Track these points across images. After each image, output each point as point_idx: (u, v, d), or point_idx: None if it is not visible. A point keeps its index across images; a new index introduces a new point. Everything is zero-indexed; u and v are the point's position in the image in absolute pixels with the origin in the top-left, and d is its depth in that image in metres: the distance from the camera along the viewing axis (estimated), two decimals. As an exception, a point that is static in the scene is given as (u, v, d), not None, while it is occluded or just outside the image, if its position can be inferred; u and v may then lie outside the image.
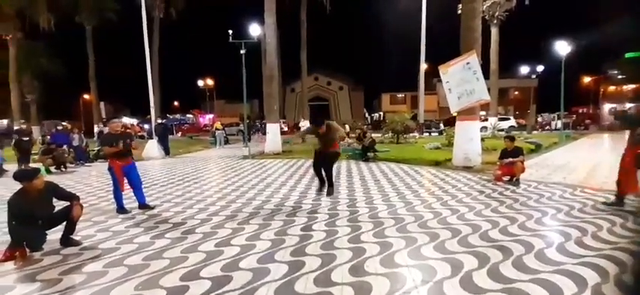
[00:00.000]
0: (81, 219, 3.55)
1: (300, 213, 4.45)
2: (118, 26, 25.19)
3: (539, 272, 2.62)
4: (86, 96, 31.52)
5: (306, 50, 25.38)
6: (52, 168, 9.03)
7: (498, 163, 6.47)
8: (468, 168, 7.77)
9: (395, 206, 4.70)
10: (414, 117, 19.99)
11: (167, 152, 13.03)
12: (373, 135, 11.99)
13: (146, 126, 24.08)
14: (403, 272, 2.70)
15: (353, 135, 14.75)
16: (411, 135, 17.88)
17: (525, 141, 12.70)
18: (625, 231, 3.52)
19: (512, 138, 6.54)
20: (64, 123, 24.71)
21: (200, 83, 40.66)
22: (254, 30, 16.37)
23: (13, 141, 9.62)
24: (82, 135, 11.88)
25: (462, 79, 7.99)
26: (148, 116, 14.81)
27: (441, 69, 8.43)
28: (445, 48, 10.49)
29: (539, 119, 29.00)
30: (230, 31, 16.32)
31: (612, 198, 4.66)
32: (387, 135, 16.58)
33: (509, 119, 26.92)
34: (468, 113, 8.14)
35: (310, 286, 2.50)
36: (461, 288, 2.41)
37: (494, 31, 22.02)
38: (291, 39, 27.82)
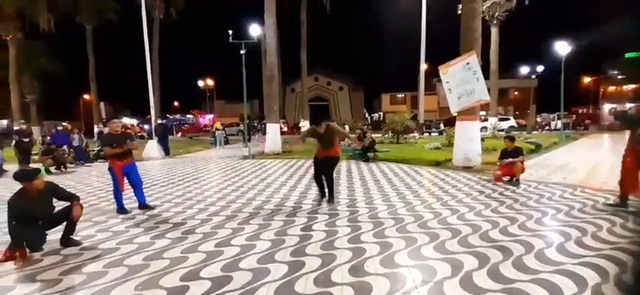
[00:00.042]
0: (81, 219, 3.55)
1: (300, 213, 4.45)
2: (118, 27, 25.25)
3: (539, 273, 2.62)
4: (86, 97, 31.55)
5: (306, 50, 25.38)
6: (52, 169, 9.03)
7: (498, 163, 6.48)
8: (468, 168, 7.77)
9: (395, 206, 4.70)
10: (414, 118, 19.99)
11: (167, 152, 13.03)
12: (373, 135, 11.99)
13: (146, 127, 24.10)
14: (403, 272, 2.70)
15: (353, 135, 14.76)
16: (411, 135, 17.88)
17: (525, 142, 12.70)
18: (625, 231, 3.52)
19: (512, 139, 6.54)
20: (64, 124, 24.80)
21: (200, 83, 40.69)
22: (254, 30, 16.39)
23: (14, 142, 9.62)
24: (82, 135, 11.89)
25: (462, 79, 8.00)
26: (148, 116, 14.82)
27: (441, 69, 8.43)
28: (445, 48, 10.51)
29: (539, 119, 29.00)
30: (230, 32, 16.34)
31: (612, 198, 4.67)
32: (387, 136, 16.59)
33: (509, 119, 26.93)
34: (468, 113, 8.14)
35: (310, 286, 2.50)
36: (461, 288, 2.41)
37: (494, 32, 22.03)
38: (291, 39, 27.86)
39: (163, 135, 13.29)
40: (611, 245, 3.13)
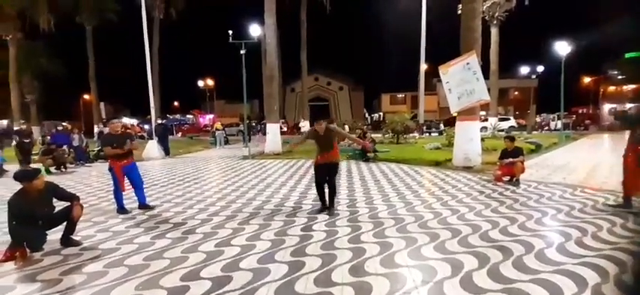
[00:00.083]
0: (81, 219, 3.55)
1: (301, 213, 4.45)
2: (118, 27, 25.26)
3: (539, 273, 2.62)
4: (86, 97, 31.55)
5: (306, 50, 25.41)
6: (52, 169, 9.03)
7: (498, 163, 6.48)
8: (468, 169, 7.78)
9: (395, 206, 4.70)
10: (414, 118, 19.99)
11: (167, 152, 13.03)
12: (373, 135, 11.99)
13: (146, 127, 24.10)
14: (403, 272, 2.70)
15: (353, 136, 14.75)
16: (411, 135, 17.88)
17: (525, 142, 12.70)
18: (625, 231, 3.52)
19: (512, 139, 6.55)
20: (64, 124, 24.79)
21: (200, 83, 40.68)
22: (254, 30, 16.39)
23: (15, 142, 9.62)
24: (82, 135, 11.88)
25: (462, 79, 8.00)
26: (148, 116, 14.82)
27: (441, 69, 8.43)
28: (445, 48, 10.51)
29: (538, 119, 28.99)
30: (230, 32, 16.34)
31: (612, 198, 4.67)
32: (387, 136, 16.59)
33: (509, 119, 26.93)
34: (468, 113, 8.14)
35: (310, 286, 2.50)
36: (461, 288, 2.41)
37: (494, 32, 22.04)
38: (291, 39, 27.87)
39: (163, 135, 13.29)
40: (611, 245, 3.13)
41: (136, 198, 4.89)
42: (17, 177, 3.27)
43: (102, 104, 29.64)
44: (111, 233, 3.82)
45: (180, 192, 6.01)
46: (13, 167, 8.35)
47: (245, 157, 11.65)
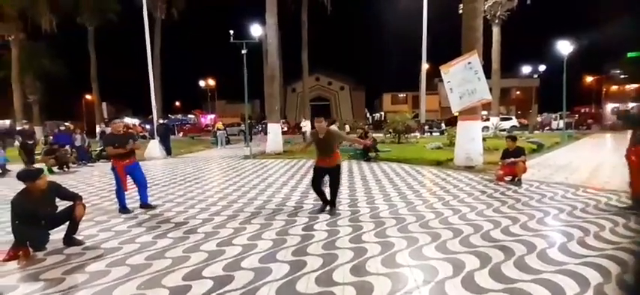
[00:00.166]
0: (83, 218, 3.57)
1: (302, 212, 4.46)
2: (119, 27, 25.35)
3: (541, 272, 2.61)
4: (88, 97, 31.61)
5: (307, 50, 25.40)
6: (55, 168, 9.07)
7: (500, 163, 6.46)
8: (469, 168, 7.76)
9: (396, 206, 4.70)
10: (415, 117, 19.96)
11: (169, 152, 13.07)
12: (374, 135, 11.98)
13: (148, 126, 24.16)
14: (405, 272, 2.70)
15: (354, 136, 14.74)
16: (413, 135, 17.86)
17: (527, 141, 12.66)
18: (627, 231, 3.51)
19: (514, 138, 6.54)
20: (66, 124, 24.87)
21: (201, 83, 40.75)
22: (255, 30, 16.38)
23: (19, 144, 9.66)
24: (85, 135, 11.94)
25: (464, 79, 7.99)
26: (150, 116, 14.85)
27: (443, 69, 8.42)
28: (446, 48, 10.48)
29: (539, 119, 28.86)
30: (231, 32, 16.33)
31: (614, 198, 4.65)
32: (388, 135, 16.57)
33: (511, 119, 26.84)
34: (470, 113, 8.13)
35: (312, 286, 2.50)
36: (462, 288, 2.41)
37: (495, 31, 21.98)
38: (292, 39, 27.88)
39: (165, 135, 13.32)
40: (613, 245, 3.12)
41: (137, 198, 4.91)
42: (20, 176, 3.29)
43: (104, 104, 29.77)
44: (113, 232, 3.83)
45: (182, 192, 6.03)
46: (15, 167, 8.39)
47: (246, 157, 11.67)
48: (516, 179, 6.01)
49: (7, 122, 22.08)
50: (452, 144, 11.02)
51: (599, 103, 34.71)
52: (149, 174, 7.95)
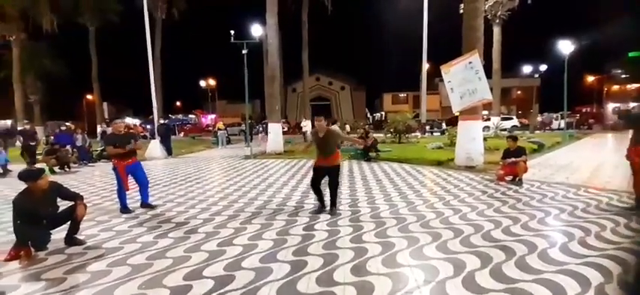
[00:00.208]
0: (85, 218, 3.58)
1: (302, 212, 4.46)
2: (120, 27, 25.39)
3: (542, 273, 2.61)
4: (89, 97, 31.67)
5: (307, 50, 25.42)
6: (56, 168, 9.09)
7: (501, 163, 6.45)
8: (470, 168, 7.75)
9: (397, 206, 4.70)
10: (416, 117, 19.96)
11: (169, 152, 13.08)
12: (375, 134, 11.98)
13: (148, 127, 24.18)
14: (405, 272, 2.70)
15: (355, 136, 14.73)
16: (413, 134, 17.84)
17: (528, 141, 12.64)
18: (628, 231, 3.50)
19: (514, 138, 6.53)
20: (67, 124, 24.89)
21: (202, 83, 40.77)
22: (256, 30, 16.39)
23: (21, 144, 9.68)
24: (85, 135, 11.96)
25: (464, 79, 7.98)
26: (151, 116, 14.87)
27: (443, 68, 8.41)
28: (447, 47, 10.47)
29: (540, 118, 28.76)
30: (232, 32, 16.34)
31: (616, 198, 4.64)
32: (388, 135, 16.56)
33: (511, 119, 26.80)
34: (471, 113, 8.12)
35: (312, 285, 2.50)
36: (463, 288, 2.41)
37: (496, 31, 21.95)
38: (292, 39, 27.88)
39: (166, 135, 13.34)
40: (614, 245, 3.11)
41: (138, 198, 4.92)
42: (22, 176, 3.30)
43: (105, 104, 29.80)
44: (114, 232, 3.84)
45: (183, 192, 6.03)
46: (17, 167, 8.41)
47: (247, 157, 11.68)
48: (517, 179, 6.00)
49: (9, 122, 22.12)
50: (453, 144, 11.01)
51: (600, 103, 34.63)
52: (150, 174, 7.94)
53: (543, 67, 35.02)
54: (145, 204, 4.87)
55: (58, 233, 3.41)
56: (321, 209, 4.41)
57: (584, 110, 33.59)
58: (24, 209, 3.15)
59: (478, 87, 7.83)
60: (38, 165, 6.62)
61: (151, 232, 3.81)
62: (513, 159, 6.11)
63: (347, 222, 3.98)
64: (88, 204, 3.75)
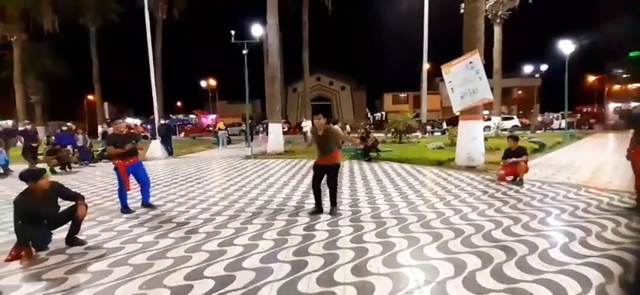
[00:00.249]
0: (86, 218, 3.58)
1: (303, 212, 4.46)
2: (121, 28, 25.45)
3: (543, 273, 2.61)
4: (90, 97, 31.73)
5: (308, 50, 25.44)
6: (57, 169, 9.11)
7: (502, 163, 6.45)
8: (471, 168, 7.75)
9: (397, 206, 4.69)
10: (417, 117, 19.95)
11: (170, 152, 13.10)
12: (375, 134, 11.97)
13: (149, 127, 24.22)
14: (406, 272, 2.70)
15: (355, 136, 14.73)
16: (414, 134, 17.83)
17: (529, 141, 12.62)
18: (629, 231, 3.49)
19: (515, 138, 6.52)
20: (68, 124, 24.94)
21: (203, 83, 40.78)
22: (256, 30, 16.39)
23: (23, 146, 9.70)
24: (86, 135, 11.98)
25: (465, 79, 7.97)
26: (151, 116, 14.89)
27: (444, 68, 8.41)
28: (447, 47, 10.46)
29: (540, 118, 28.68)
30: (232, 32, 16.35)
31: (617, 198, 4.62)
32: (389, 135, 16.56)
33: (512, 118, 26.77)
34: (471, 112, 8.11)
35: (313, 285, 2.50)
36: (464, 288, 2.41)
37: (497, 30, 21.93)
38: (293, 39, 27.90)
39: (166, 136, 13.36)
40: (615, 245, 3.11)
41: (139, 198, 4.93)
42: (23, 176, 3.31)
43: (106, 104, 29.84)
44: (115, 232, 3.84)
45: (184, 192, 6.04)
46: (18, 167, 8.43)
47: (247, 157, 11.69)
48: (518, 179, 6.00)
49: (10, 122, 22.18)
50: (453, 143, 11.00)
51: (601, 103, 34.57)
52: (151, 175, 7.91)
53: (544, 67, 34.96)
54: (146, 204, 4.88)
55: (59, 234, 3.41)
56: (315, 211, 4.37)
57: (585, 110, 33.54)
58: (25, 209, 3.16)
59: (479, 86, 7.83)
60: (39, 166, 6.64)
61: (151, 232, 3.81)
62: (514, 159, 6.11)
63: (347, 222, 3.98)
64: (88, 204, 3.76)
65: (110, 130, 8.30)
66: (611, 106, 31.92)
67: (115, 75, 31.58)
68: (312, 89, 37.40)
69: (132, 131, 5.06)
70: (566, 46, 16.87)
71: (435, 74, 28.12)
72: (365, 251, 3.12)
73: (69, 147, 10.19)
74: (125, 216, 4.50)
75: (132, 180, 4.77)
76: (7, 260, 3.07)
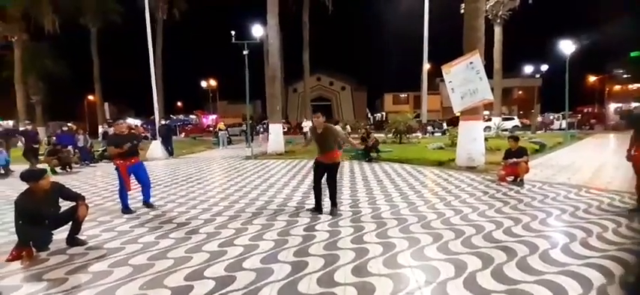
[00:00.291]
0: (86, 218, 3.59)
1: (303, 213, 4.46)
2: (121, 28, 25.47)
3: (543, 274, 2.61)
4: (91, 98, 31.78)
5: (308, 51, 25.47)
6: (58, 169, 9.12)
7: (502, 163, 6.44)
8: (471, 169, 7.74)
9: (398, 206, 4.69)
10: (417, 117, 19.94)
11: (171, 153, 13.11)
12: (376, 135, 11.97)
13: (150, 127, 24.24)
14: (406, 272, 2.70)
15: (356, 136, 14.74)
16: (414, 135, 17.83)
17: (529, 141, 12.61)
18: (630, 232, 3.49)
19: (516, 138, 6.51)
20: (69, 124, 24.99)
21: (203, 84, 40.82)
22: (257, 31, 16.40)
23: (24, 147, 9.71)
24: (87, 135, 11.99)
25: (465, 79, 7.97)
26: (152, 117, 14.91)
27: (444, 69, 8.40)
28: (448, 47, 10.46)
29: (539, 119, 28.63)
30: (233, 32, 16.36)
31: (617, 198, 4.62)
32: (389, 136, 16.56)
33: (513, 119, 26.74)
34: (472, 113, 8.11)
35: (313, 286, 2.50)
36: (464, 289, 2.41)
37: (497, 31, 21.91)
38: (293, 40, 27.92)
39: (167, 136, 13.37)
40: (616, 246, 3.10)
41: (140, 198, 4.93)
42: (24, 177, 3.31)
43: (106, 105, 29.89)
44: (116, 232, 3.85)
45: (184, 192, 6.05)
46: (18, 167, 8.44)
47: (248, 157, 11.69)
48: (518, 179, 5.99)
49: (11, 123, 22.21)
50: (454, 144, 10.99)
51: (601, 103, 34.54)
52: (151, 175, 7.91)
53: (545, 67, 34.93)
54: (147, 204, 4.89)
55: (60, 234, 3.42)
56: (314, 209, 4.39)
57: (585, 110, 33.50)
58: (26, 209, 3.16)
59: (479, 87, 7.83)
60: (40, 166, 6.65)
61: (152, 232, 3.81)
62: (515, 160, 6.10)
63: (348, 223, 3.98)
64: (89, 205, 3.76)
65: (111, 130, 8.32)
66: (612, 107, 31.88)
67: (115, 75, 31.67)
68: (313, 89, 37.43)
69: (133, 131, 5.07)
70: (567, 46, 16.85)
71: (436, 74, 28.10)
72: (365, 251, 3.12)
73: (70, 147, 10.20)
74: (126, 216, 4.51)
75: (133, 180, 4.77)
76: (8, 261, 3.07)
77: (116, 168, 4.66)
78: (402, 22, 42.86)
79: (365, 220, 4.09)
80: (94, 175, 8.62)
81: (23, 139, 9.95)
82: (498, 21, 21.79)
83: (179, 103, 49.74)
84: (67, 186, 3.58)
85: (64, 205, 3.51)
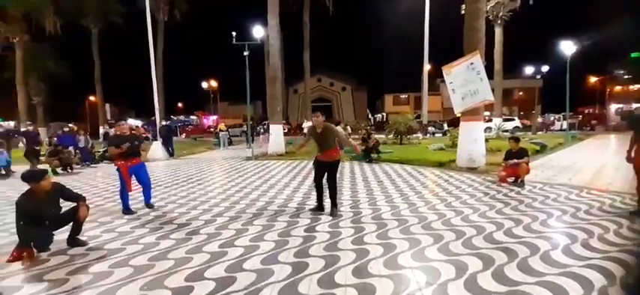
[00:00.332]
0: (87, 219, 3.59)
1: (304, 214, 4.46)
2: (122, 29, 25.58)
3: (544, 275, 2.60)
4: (92, 98, 31.87)
5: (309, 51, 25.50)
6: (59, 170, 9.13)
7: (503, 164, 6.44)
8: (472, 169, 7.73)
9: (398, 207, 4.69)
10: (418, 118, 19.94)
11: (171, 153, 13.13)
12: (376, 136, 11.97)
13: (150, 128, 24.28)
14: (407, 273, 2.70)
15: (356, 137, 14.74)
16: (415, 136, 17.83)
17: (530, 142, 12.59)
18: (631, 233, 3.48)
19: (516, 139, 6.50)
20: (70, 125, 25.04)
21: (204, 85, 40.87)
22: (257, 32, 16.44)
23: (25, 148, 9.73)
24: (88, 136, 12.01)
25: (466, 80, 7.97)
26: (153, 118, 14.93)
27: (445, 69, 8.40)
28: (448, 48, 10.46)
29: (540, 120, 28.57)
30: (233, 33, 16.40)
31: (619, 199, 4.60)
32: (390, 136, 16.55)
33: (513, 120, 26.71)
34: (472, 114, 8.10)
35: (314, 287, 2.50)
36: (465, 290, 2.40)
37: (498, 31, 21.90)
38: (294, 40, 28.02)
39: (168, 137, 13.39)
40: (617, 247, 3.10)
41: (140, 199, 4.94)
42: (25, 177, 3.32)
43: (107, 105, 29.96)
44: (116, 233, 3.85)
45: (185, 193, 6.05)
46: (20, 168, 8.45)
47: (248, 158, 11.70)
48: (519, 180, 5.98)
49: (12, 124, 22.27)
50: (454, 145, 10.98)
51: (602, 104, 34.48)
52: (152, 176, 7.93)
53: (545, 68, 34.87)
54: (148, 204, 4.90)
55: (61, 235, 3.42)
56: (316, 208, 4.43)
57: (586, 111, 33.44)
58: (27, 210, 3.17)
59: (480, 88, 7.82)
60: (41, 166, 6.67)
61: (152, 233, 3.82)
62: (515, 161, 6.09)
63: (348, 224, 3.98)
64: (90, 205, 3.76)
65: (111, 131, 8.32)
66: (613, 107, 31.83)
67: (116, 76, 31.75)
68: (313, 90, 37.46)
69: (134, 132, 5.08)
70: (568, 47, 16.84)
71: (436, 75, 28.12)
72: (366, 252, 3.12)
73: (71, 148, 10.22)
74: (126, 217, 4.51)
75: (133, 181, 4.78)
76: (9, 261, 3.08)
77: (118, 169, 4.67)
78: (403, 23, 42.96)
79: (365, 221, 4.08)
80: (95, 176, 8.63)
81: (24, 140, 9.97)
82: (499, 22, 21.77)
83: (180, 104, 49.85)
84: (67, 187, 3.58)
85: (65, 206, 3.52)
